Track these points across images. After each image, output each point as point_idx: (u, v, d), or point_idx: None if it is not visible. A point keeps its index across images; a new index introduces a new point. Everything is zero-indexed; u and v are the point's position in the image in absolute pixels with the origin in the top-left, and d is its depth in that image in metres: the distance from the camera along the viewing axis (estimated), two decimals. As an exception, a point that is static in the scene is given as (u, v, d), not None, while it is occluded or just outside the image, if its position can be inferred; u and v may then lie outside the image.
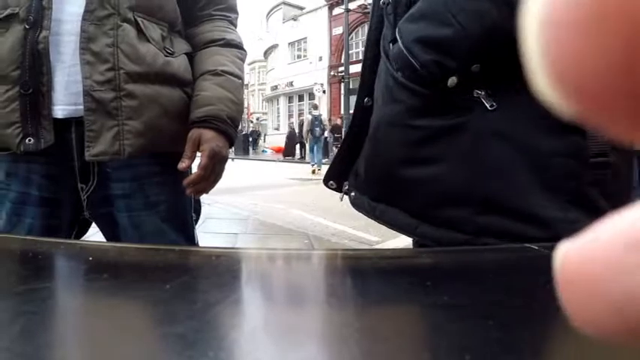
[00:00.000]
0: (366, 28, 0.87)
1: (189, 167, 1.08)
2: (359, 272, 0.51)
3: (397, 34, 0.73)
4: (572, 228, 0.57)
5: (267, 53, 36.29)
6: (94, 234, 1.21)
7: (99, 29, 0.98)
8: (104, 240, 1.11)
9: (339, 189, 0.92)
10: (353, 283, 0.47)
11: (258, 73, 45.14)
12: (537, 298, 0.35)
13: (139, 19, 1.02)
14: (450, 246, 0.63)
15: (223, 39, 1.19)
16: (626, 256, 0.09)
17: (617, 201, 0.59)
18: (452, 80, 0.65)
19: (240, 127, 1.41)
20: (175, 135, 1.07)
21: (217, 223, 4.78)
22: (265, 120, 38.66)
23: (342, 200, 0.93)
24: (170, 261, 0.54)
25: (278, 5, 34.06)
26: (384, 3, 0.80)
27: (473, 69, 0.64)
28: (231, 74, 1.15)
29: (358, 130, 0.86)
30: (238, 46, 1.22)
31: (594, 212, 0.57)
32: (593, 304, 0.10)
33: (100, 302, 0.39)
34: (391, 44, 0.76)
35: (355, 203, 0.85)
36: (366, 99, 0.85)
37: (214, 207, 5.48)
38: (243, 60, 1.23)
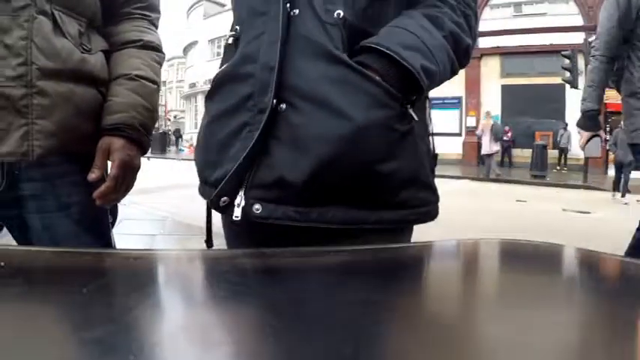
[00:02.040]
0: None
1: (101, 176, 1.04)
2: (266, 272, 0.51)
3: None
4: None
5: (186, 50, 35.45)
6: (2, 237, 1.15)
7: (13, 21, 0.92)
8: (15, 244, 1.06)
9: (230, 206, 0.80)
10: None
11: (177, 70, 43.93)
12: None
13: (56, 13, 0.98)
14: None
15: (141, 40, 1.15)
16: None
17: None
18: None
19: (156, 124, 1.38)
20: (89, 135, 1.04)
21: (134, 225, 4.61)
22: (183, 118, 37.66)
23: (236, 217, 0.80)
24: (86, 264, 0.53)
25: (199, 1, 33.40)
26: None
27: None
28: (146, 79, 1.11)
29: (266, 135, 0.78)
30: (156, 49, 1.18)
31: None
32: None
33: (15, 308, 0.38)
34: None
35: (267, 215, 0.78)
36: (274, 101, 0.77)
37: (131, 208, 5.28)
38: (160, 64, 1.19)
